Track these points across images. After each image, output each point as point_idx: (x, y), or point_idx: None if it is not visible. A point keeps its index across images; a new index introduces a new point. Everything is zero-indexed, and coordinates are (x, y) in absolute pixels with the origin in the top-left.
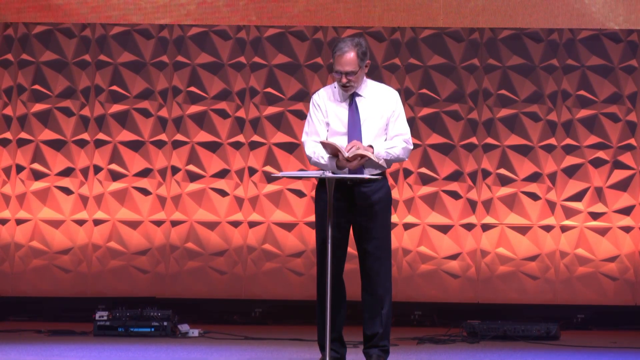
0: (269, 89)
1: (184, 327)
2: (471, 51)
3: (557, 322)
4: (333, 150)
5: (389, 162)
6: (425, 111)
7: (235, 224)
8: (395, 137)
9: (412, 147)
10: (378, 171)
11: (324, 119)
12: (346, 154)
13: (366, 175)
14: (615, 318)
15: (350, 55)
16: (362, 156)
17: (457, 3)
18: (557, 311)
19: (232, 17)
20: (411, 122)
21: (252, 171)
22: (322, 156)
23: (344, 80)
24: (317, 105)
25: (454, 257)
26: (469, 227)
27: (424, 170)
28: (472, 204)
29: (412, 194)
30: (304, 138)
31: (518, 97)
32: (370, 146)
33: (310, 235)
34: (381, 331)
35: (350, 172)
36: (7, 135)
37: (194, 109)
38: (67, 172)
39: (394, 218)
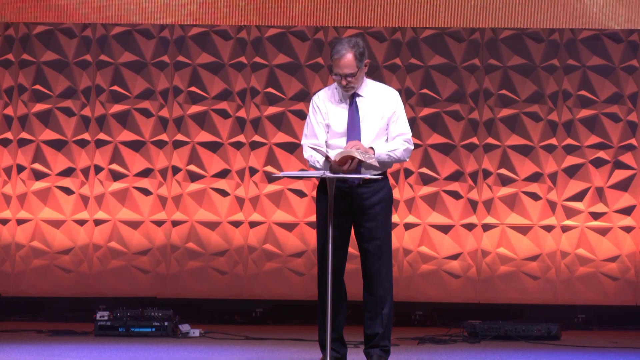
0: (269, 89)
1: (184, 327)
2: (472, 51)
3: (557, 322)
4: (325, 155)
5: (388, 162)
6: (426, 111)
7: (236, 224)
8: (397, 137)
9: (412, 147)
10: (379, 171)
11: (323, 121)
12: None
13: (366, 175)
14: (616, 318)
15: (348, 57)
16: (354, 158)
17: (458, 3)
18: (558, 311)
19: (233, 17)
20: (412, 122)
21: (252, 171)
22: (318, 160)
23: (344, 82)
24: (317, 108)
25: (454, 257)
26: (469, 227)
27: (424, 170)
28: (473, 204)
29: (413, 194)
30: (303, 141)
31: (519, 97)
32: (371, 148)
33: (311, 236)
34: (382, 331)
35: (350, 172)
36: (8, 135)
37: (195, 109)
38: (67, 172)
39: (395, 218)
